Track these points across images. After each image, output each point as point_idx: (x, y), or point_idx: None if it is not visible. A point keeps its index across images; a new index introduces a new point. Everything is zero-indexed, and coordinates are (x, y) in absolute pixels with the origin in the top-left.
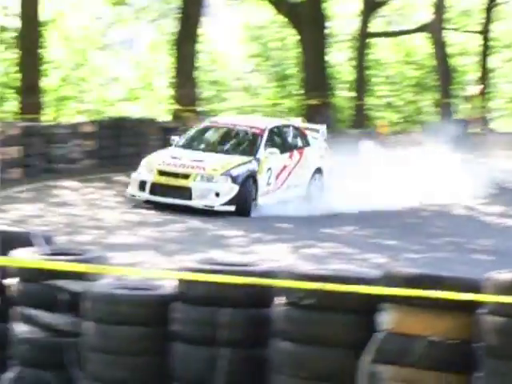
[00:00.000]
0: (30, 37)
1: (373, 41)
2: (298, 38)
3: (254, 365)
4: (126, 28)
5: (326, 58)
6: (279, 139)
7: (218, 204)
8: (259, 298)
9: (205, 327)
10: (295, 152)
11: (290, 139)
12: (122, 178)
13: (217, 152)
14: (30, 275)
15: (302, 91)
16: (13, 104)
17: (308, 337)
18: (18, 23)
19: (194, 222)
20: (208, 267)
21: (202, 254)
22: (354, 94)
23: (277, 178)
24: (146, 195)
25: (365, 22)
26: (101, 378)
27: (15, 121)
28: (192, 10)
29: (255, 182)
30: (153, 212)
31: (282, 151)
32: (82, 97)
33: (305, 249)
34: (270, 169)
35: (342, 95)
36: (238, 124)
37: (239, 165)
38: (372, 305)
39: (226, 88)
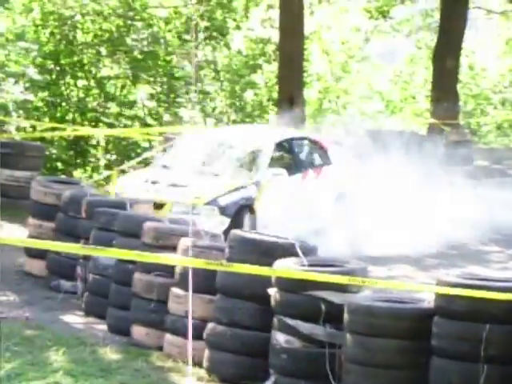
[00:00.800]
0: (290, 49)
1: None
2: None
3: None
4: (385, 41)
5: None
6: (289, 156)
7: None
8: None
9: (465, 342)
10: (310, 172)
11: (303, 156)
12: None
13: (205, 174)
14: (290, 285)
15: None
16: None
17: None
18: (278, 36)
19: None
20: (469, 282)
21: (461, 269)
22: None
23: (284, 206)
24: None
25: None
26: None
27: None
28: (453, 24)
29: (253, 212)
30: None
31: (293, 171)
32: (341, 109)
33: None
34: (274, 195)
35: None
36: (235, 137)
37: (231, 191)
38: None
39: (487, 102)
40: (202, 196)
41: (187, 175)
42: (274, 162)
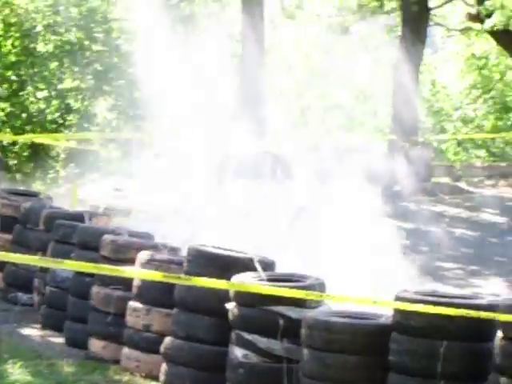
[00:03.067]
0: (251, 63)
1: None
2: None
3: None
4: (347, 56)
5: None
6: (253, 168)
7: None
8: (480, 331)
9: (422, 359)
10: (274, 186)
11: (266, 170)
12: None
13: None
14: (248, 300)
15: None
16: None
17: None
18: (240, 49)
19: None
20: (427, 298)
21: (420, 285)
22: None
23: (249, 217)
24: None
25: None
26: None
27: None
28: (413, 40)
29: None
30: None
31: (259, 183)
32: (302, 124)
33: None
34: (242, 205)
35: None
36: (202, 148)
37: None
38: None
39: (446, 118)
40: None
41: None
42: (240, 174)
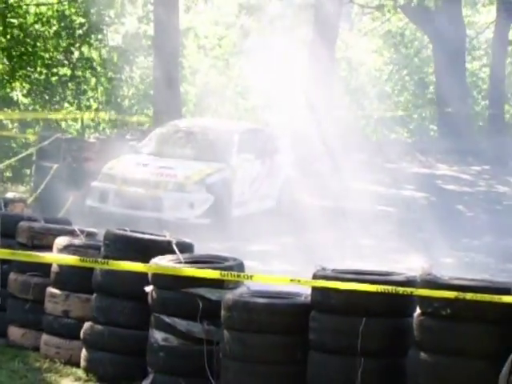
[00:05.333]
0: (166, 45)
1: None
2: (433, 45)
3: (390, 375)
4: (262, 36)
5: (461, 66)
6: (251, 145)
7: (192, 216)
8: (398, 307)
9: (342, 336)
10: (267, 159)
11: (261, 145)
12: None
13: (186, 158)
14: (167, 282)
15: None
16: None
17: (445, 347)
18: (153, 31)
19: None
20: (344, 275)
21: (338, 263)
22: (488, 102)
23: (250, 187)
24: (108, 207)
25: (502, 30)
26: None
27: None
28: (328, 18)
29: (229, 191)
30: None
31: (255, 158)
32: (219, 105)
33: (440, 258)
34: (243, 177)
35: (478, 104)
36: (207, 127)
37: (213, 172)
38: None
39: (365, 96)
40: (192, 176)
41: (173, 159)
42: (240, 149)
